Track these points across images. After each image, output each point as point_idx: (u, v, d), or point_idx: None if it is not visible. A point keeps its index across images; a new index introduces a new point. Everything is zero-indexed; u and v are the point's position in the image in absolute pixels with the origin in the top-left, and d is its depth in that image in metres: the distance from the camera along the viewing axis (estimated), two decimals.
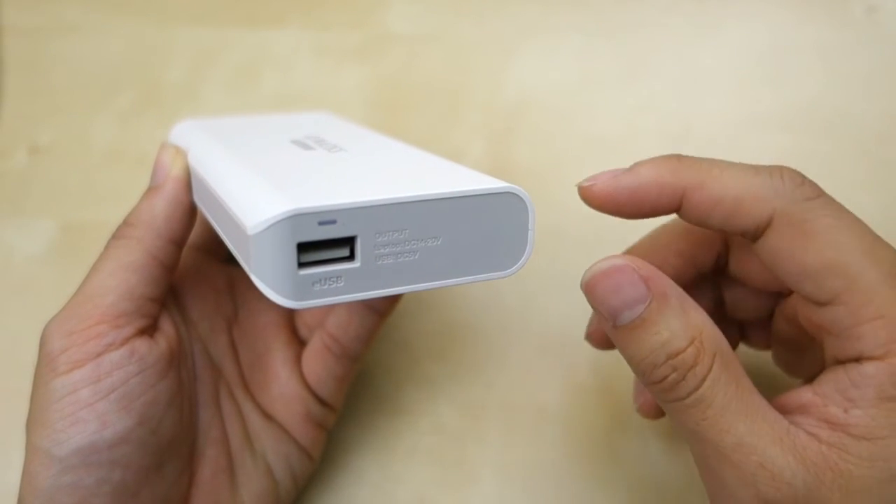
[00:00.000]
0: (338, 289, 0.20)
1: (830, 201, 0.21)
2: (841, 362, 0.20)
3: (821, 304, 0.20)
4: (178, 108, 0.39)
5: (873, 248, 0.20)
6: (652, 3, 0.38)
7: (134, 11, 0.41)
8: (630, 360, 0.20)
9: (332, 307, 0.29)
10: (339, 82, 0.39)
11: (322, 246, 0.19)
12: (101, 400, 0.23)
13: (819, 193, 0.21)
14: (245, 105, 0.39)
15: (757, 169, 0.21)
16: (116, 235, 0.25)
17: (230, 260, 0.30)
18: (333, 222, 0.19)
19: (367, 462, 0.31)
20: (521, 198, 0.21)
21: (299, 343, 0.30)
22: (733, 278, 0.26)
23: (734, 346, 0.28)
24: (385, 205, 0.19)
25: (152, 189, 0.25)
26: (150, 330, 0.24)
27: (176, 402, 0.25)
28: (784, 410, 0.21)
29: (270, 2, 0.41)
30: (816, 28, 0.37)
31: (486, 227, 0.21)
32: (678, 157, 0.21)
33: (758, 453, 0.19)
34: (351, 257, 0.20)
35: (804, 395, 0.21)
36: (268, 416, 0.28)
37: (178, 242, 0.25)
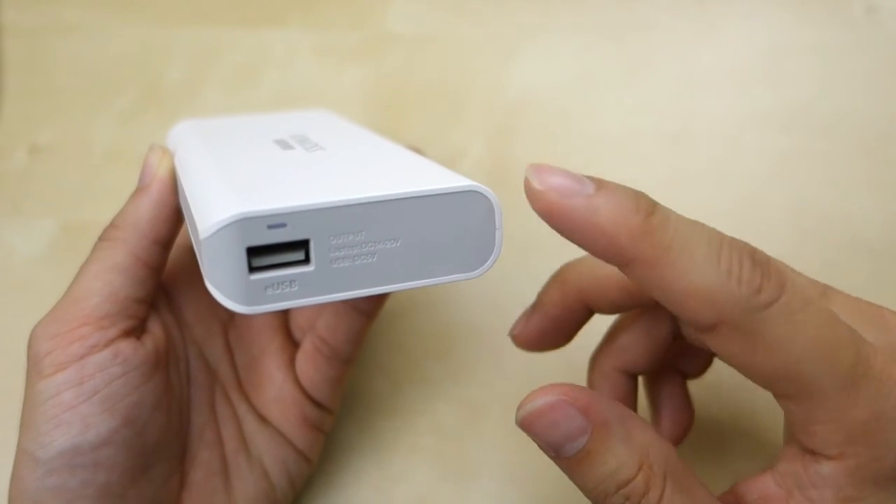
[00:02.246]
0: (292, 293, 0.19)
1: (788, 304, 0.18)
2: (799, 443, 0.20)
3: (777, 397, 0.20)
4: (178, 108, 0.39)
5: (831, 350, 0.18)
6: (652, 4, 0.38)
7: (134, 11, 0.41)
8: (580, 488, 0.20)
9: (321, 309, 0.29)
10: (339, 82, 0.39)
11: (275, 249, 0.19)
12: (84, 402, 0.23)
13: (777, 296, 0.18)
14: (245, 105, 0.39)
15: (719, 263, 0.18)
16: (102, 237, 0.25)
17: None
18: (283, 226, 0.18)
19: (367, 462, 0.31)
20: (486, 196, 0.20)
21: (293, 345, 0.30)
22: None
23: (706, 365, 0.28)
24: (336, 207, 0.19)
25: (138, 190, 0.25)
26: (136, 332, 0.24)
27: (163, 405, 0.25)
28: (746, 500, 0.20)
29: (270, 2, 0.41)
30: (816, 28, 0.37)
31: (450, 228, 0.20)
32: (648, 209, 0.18)
33: None
34: (306, 261, 0.19)
35: (767, 484, 0.20)
36: (263, 419, 0.28)
37: (164, 243, 0.25)
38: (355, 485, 0.31)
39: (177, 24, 0.41)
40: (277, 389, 0.28)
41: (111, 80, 0.40)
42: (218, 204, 0.19)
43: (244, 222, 0.18)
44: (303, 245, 0.19)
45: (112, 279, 0.24)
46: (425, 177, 0.21)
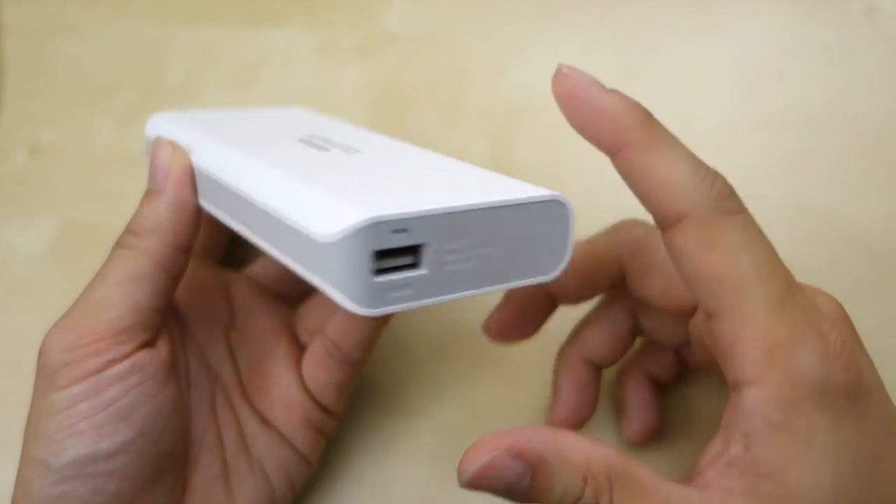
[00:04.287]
0: (408, 296, 0.20)
1: (747, 222, 0.21)
2: (732, 391, 0.21)
3: (711, 314, 0.21)
4: (178, 107, 0.39)
5: (770, 272, 0.20)
6: (652, 3, 0.38)
7: (134, 11, 0.41)
8: None
9: (331, 311, 0.29)
10: (339, 82, 0.39)
11: (394, 254, 0.19)
12: (100, 412, 0.22)
13: (740, 211, 0.21)
14: (245, 105, 0.39)
15: (698, 166, 0.21)
16: (120, 244, 0.24)
17: (224, 263, 0.30)
18: (406, 230, 0.19)
19: (368, 462, 0.31)
20: (563, 204, 0.22)
21: (299, 348, 0.29)
22: (638, 300, 0.27)
23: (674, 372, 0.29)
24: (453, 213, 0.20)
25: (153, 193, 0.24)
26: (152, 341, 0.24)
27: (177, 411, 0.25)
28: (699, 469, 0.21)
29: (270, 2, 0.41)
30: (816, 28, 0.37)
31: (533, 233, 0.22)
32: (650, 116, 0.22)
33: None
34: (417, 265, 0.20)
35: (712, 446, 0.21)
36: (266, 421, 0.28)
37: (186, 249, 0.24)
38: (357, 485, 0.31)
39: (177, 24, 0.41)
40: (283, 391, 0.28)
41: (111, 79, 0.40)
42: (337, 209, 0.19)
43: (374, 226, 0.19)
44: (413, 250, 0.20)
45: (132, 290, 0.23)
46: (513, 186, 0.22)
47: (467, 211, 0.20)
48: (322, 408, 0.28)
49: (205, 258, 0.30)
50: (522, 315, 0.28)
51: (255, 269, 0.32)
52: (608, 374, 0.31)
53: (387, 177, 0.22)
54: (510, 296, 0.28)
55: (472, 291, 0.21)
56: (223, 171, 0.24)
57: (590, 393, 0.28)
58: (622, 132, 0.21)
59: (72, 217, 0.37)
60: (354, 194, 0.20)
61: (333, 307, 0.30)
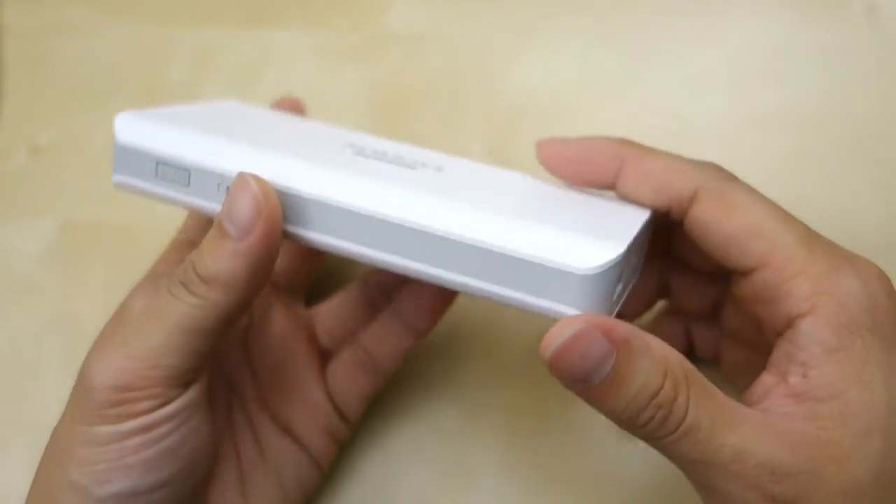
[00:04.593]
0: (613, 308, 0.22)
1: (747, 185, 0.23)
2: (781, 334, 0.21)
3: (748, 271, 0.22)
4: None
5: (786, 217, 0.22)
6: (652, 4, 0.38)
7: (134, 11, 0.41)
8: (610, 414, 0.20)
9: (365, 320, 0.29)
10: (339, 82, 0.39)
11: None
12: (150, 448, 0.22)
13: (736, 179, 0.23)
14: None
15: (686, 157, 0.24)
16: (186, 285, 0.22)
17: None
18: (627, 256, 0.21)
19: (367, 462, 0.31)
20: (651, 219, 0.24)
21: (319, 351, 0.29)
22: (678, 260, 0.27)
23: (681, 350, 0.30)
24: (639, 232, 0.22)
25: (233, 241, 0.21)
26: (200, 378, 0.24)
27: (215, 436, 0.25)
28: (752, 401, 0.21)
29: (270, 2, 0.41)
30: (816, 28, 0.37)
31: (643, 240, 0.24)
32: (623, 138, 0.24)
33: (753, 456, 0.19)
34: (620, 280, 0.22)
35: (765, 379, 0.21)
36: (284, 428, 0.28)
37: (253, 301, 0.23)
38: (357, 485, 0.31)
39: (177, 25, 0.41)
40: (304, 397, 0.28)
41: (111, 79, 0.40)
42: (589, 242, 0.20)
43: (625, 255, 0.21)
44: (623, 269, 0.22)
45: (193, 340, 0.22)
46: (626, 203, 0.25)
47: (642, 230, 0.23)
48: (342, 416, 0.28)
49: None
50: None
51: None
52: None
53: (557, 203, 0.24)
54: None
55: (624, 297, 0.23)
56: (373, 205, 0.22)
57: None
58: (617, 153, 0.24)
59: (72, 217, 0.37)
60: (590, 227, 0.22)
61: (363, 316, 0.30)
